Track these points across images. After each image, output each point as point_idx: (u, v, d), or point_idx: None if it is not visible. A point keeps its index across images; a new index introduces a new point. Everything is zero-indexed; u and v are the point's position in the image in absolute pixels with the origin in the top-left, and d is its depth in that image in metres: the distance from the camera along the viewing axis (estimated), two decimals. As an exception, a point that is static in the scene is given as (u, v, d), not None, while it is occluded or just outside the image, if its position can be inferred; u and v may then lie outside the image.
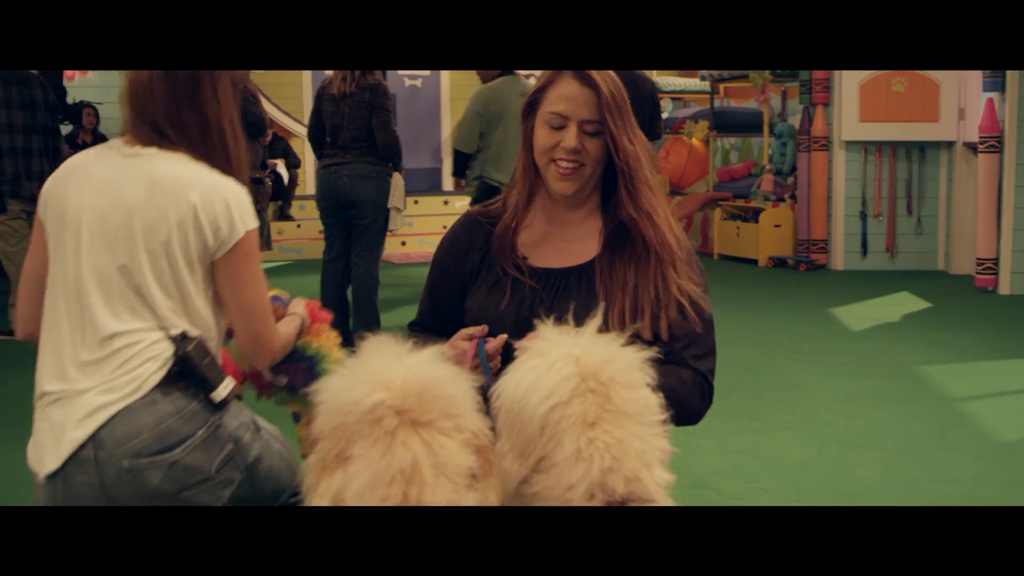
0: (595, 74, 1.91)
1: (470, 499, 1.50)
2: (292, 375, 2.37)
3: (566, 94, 1.91)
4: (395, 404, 1.48)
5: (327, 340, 2.37)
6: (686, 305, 1.91)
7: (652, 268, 1.92)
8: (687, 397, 1.88)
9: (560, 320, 1.65)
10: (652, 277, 1.92)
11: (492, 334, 1.89)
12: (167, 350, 1.87)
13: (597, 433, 1.52)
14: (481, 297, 2.00)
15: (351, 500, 1.47)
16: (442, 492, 1.45)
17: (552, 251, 2.01)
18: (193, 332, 1.90)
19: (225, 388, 1.91)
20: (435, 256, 2.12)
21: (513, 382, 1.59)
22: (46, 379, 1.89)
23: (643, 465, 1.54)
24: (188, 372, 1.87)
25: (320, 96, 5.54)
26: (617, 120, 1.91)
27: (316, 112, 5.55)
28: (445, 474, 1.46)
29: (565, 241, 2.01)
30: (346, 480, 1.48)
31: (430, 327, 2.09)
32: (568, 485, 1.52)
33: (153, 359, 1.86)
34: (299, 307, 2.28)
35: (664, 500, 1.56)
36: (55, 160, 5.87)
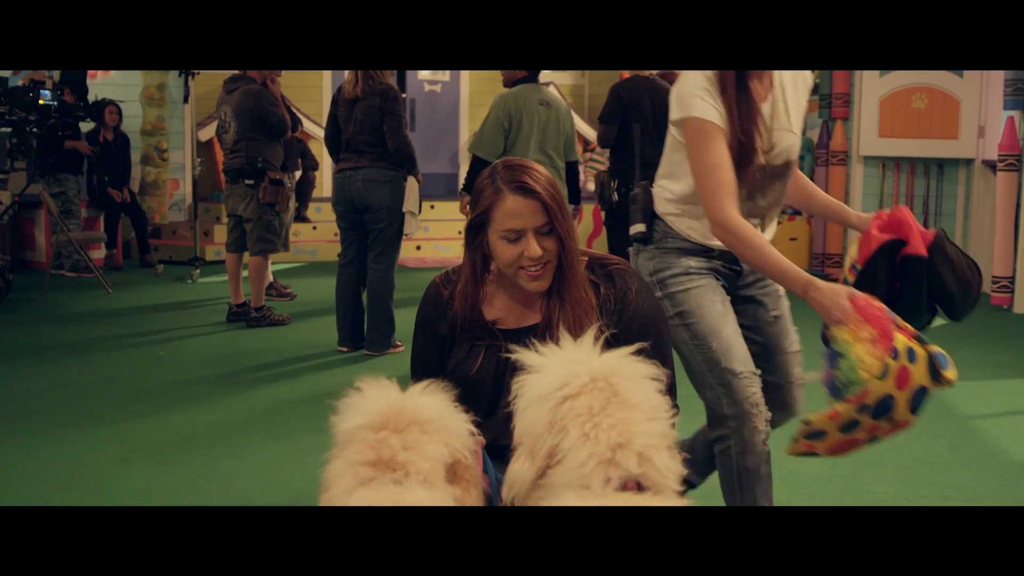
0: (531, 182, 2.01)
1: (446, 487, 1.67)
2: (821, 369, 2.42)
3: (514, 210, 2.02)
4: (368, 423, 1.68)
5: (856, 336, 2.32)
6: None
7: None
8: None
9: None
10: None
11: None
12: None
13: (601, 418, 1.60)
14: (460, 362, 2.16)
15: (335, 491, 1.65)
16: (425, 447, 1.67)
17: (515, 312, 2.16)
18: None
19: None
20: (415, 326, 2.25)
21: (528, 383, 1.68)
22: None
23: (652, 445, 1.60)
24: None
25: (335, 100, 5.55)
26: (560, 217, 2.04)
27: (332, 117, 5.56)
28: (420, 456, 1.67)
29: (526, 302, 2.16)
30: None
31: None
32: (580, 462, 1.58)
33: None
34: (838, 294, 2.41)
35: (675, 483, 1.62)
36: None
